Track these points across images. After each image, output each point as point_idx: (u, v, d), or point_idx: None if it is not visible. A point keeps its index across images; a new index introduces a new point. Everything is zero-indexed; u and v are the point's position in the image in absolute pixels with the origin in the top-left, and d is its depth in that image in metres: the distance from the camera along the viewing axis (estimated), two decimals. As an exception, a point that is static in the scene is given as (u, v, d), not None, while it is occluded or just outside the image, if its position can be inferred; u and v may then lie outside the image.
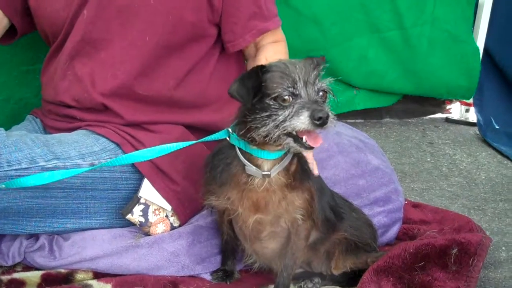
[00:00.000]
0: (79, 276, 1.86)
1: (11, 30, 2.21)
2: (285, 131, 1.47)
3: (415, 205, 2.49)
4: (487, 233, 2.22)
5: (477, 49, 3.95)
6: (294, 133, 1.48)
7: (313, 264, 1.92)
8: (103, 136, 1.97)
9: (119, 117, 2.02)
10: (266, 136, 1.50)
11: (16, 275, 1.83)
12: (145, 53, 2.00)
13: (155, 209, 1.96)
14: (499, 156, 3.51)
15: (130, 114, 2.02)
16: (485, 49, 4.06)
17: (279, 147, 1.56)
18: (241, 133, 1.57)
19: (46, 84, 2.17)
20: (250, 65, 2.20)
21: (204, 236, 1.96)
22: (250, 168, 1.61)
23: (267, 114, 1.48)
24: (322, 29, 3.65)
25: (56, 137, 1.91)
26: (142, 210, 1.94)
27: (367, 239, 1.90)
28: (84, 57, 2.02)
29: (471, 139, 3.89)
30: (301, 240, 1.74)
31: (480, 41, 4.02)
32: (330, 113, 1.43)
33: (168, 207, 1.96)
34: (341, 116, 3.81)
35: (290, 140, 1.50)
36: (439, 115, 4.45)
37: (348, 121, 3.93)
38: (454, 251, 1.82)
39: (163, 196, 1.95)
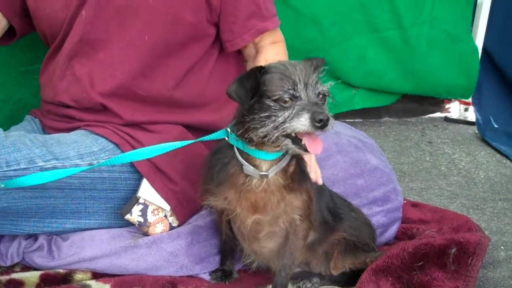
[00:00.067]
0: (78, 276, 1.86)
1: (10, 31, 2.21)
2: (284, 133, 1.47)
3: (414, 205, 2.49)
4: (486, 232, 2.22)
5: (476, 48, 3.95)
6: (293, 134, 1.48)
7: (312, 264, 1.92)
8: (102, 136, 1.97)
9: (118, 117, 2.02)
10: (265, 136, 1.50)
11: (14, 275, 1.83)
12: (144, 53, 2.00)
13: (154, 209, 1.96)
14: (498, 155, 3.51)
15: (129, 114, 2.02)
16: (484, 49, 4.06)
17: (278, 148, 1.56)
18: (239, 133, 1.57)
19: (45, 85, 2.17)
20: (250, 66, 2.20)
21: (203, 236, 1.96)
22: (248, 168, 1.61)
23: (266, 114, 1.48)
24: (321, 29, 3.66)
25: (55, 137, 1.91)
26: (141, 210, 1.94)
27: (366, 239, 1.91)
28: (83, 58, 2.02)
29: (470, 138, 3.89)
30: (299, 240, 1.74)
31: (479, 41, 4.02)
32: (330, 116, 1.44)
33: (167, 207, 1.97)
34: (340, 116, 3.83)
35: (288, 142, 1.50)
36: (438, 115, 4.45)
37: (347, 120, 3.93)
38: (453, 250, 1.83)
39: (162, 196, 1.95)
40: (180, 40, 2.03)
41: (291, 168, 1.66)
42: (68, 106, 2.06)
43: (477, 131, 3.98)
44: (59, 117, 2.12)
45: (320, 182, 1.83)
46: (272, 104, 1.47)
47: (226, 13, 2.06)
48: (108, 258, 1.88)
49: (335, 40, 3.71)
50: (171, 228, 2.00)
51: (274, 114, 1.47)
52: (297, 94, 1.47)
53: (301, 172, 1.69)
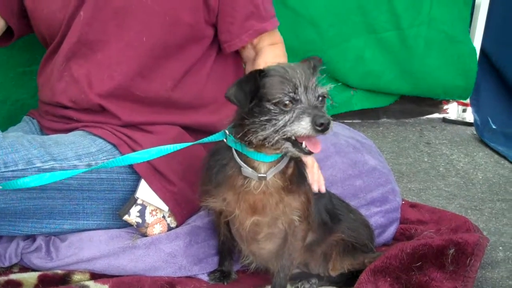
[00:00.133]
0: (76, 277, 1.85)
1: (8, 32, 2.20)
2: (285, 136, 1.47)
3: (412, 205, 2.49)
4: (484, 233, 2.22)
5: (474, 49, 3.96)
6: (293, 138, 1.48)
7: (310, 265, 1.92)
8: (100, 137, 1.96)
9: (116, 118, 2.01)
10: (265, 140, 1.49)
11: (13, 276, 1.83)
12: (142, 54, 2.00)
13: (152, 210, 1.96)
14: (496, 156, 3.52)
15: (127, 115, 2.02)
16: (482, 50, 4.08)
17: (277, 151, 1.56)
18: (238, 136, 1.56)
19: (43, 85, 2.16)
20: (249, 69, 2.19)
21: (201, 237, 1.96)
22: (246, 170, 1.60)
23: (266, 118, 1.47)
24: (320, 30, 3.67)
25: (52, 138, 1.90)
26: (139, 211, 1.94)
27: (364, 240, 1.90)
28: (81, 59, 2.02)
29: (468, 139, 3.90)
30: (298, 241, 1.74)
31: (477, 42, 4.03)
32: (330, 119, 1.43)
33: (165, 208, 1.96)
34: (338, 117, 3.84)
35: (288, 145, 1.50)
36: (436, 115, 4.46)
37: (345, 121, 3.93)
38: (451, 251, 1.83)
39: (160, 197, 1.95)
40: (178, 41, 2.02)
41: (290, 170, 1.66)
42: (66, 107, 2.05)
43: (475, 132, 3.99)
44: (57, 118, 2.11)
45: (323, 190, 1.83)
46: (272, 108, 1.47)
47: (224, 13, 2.06)
48: (107, 259, 1.87)
49: (333, 41, 3.72)
50: (169, 229, 2.00)
51: (274, 117, 1.47)
52: (298, 97, 1.46)
53: (300, 173, 1.69)
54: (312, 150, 1.48)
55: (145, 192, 1.93)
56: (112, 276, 1.86)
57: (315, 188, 1.80)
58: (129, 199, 1.94)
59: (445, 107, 4.48)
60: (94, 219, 1.96)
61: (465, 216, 2.37)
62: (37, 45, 2.29)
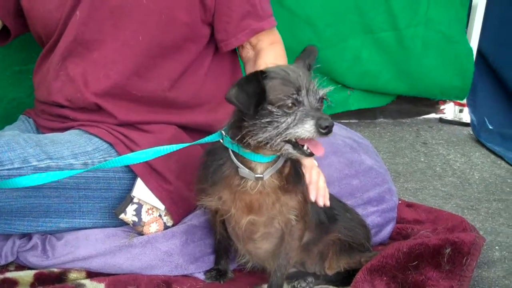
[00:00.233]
0: (72, 275, 1.85)
1: (4, 32, 2.20)
2: (287, 138, 1.47)
3: (409, 205, 2.50)
4: (481, 232, 2.23)
5: (471, 50, 3.97)
6: (293, 140, 1.48)
7: (306, 264, 1.92)
8: (96, 136, 1.96)
9: (112, 117, 2.01)
10: (266, 143, 1.48)
11: (8, 275, 1.83)
12: (138, 53, 1.99)
13: (148, 209, 1.95)
14: (492, 156, 3.52)
15: (123, 114, 2.01)
16: (479, 50, 4.08)
17: (276, 153, 1.55)
18: (236, 138, 1.55)
19: (39, 84, 2.16)
20: (249, 69, 2.18)
21: (197, 235, 1.95)
22: (243, 170, 1.60)
23: (268, 120, 1.46)
24: (317, 30, 3.67)
25: (49, 137, 1.90)
26: (136, 210, 1.93)
27: (360, 239, 1.91)
28: (77, 58, 2.01)
29: (465, 139, 3.90)
30: (294, 240, 1.74)
31: (474, 42, 4.04)
32: (333, 122, 1.43)
33: (162, 206, 1.96)
34: (335, 116, 3.84)
35: (289, 147, 1.50)
36: (433, 116, 4.47)
37: (342, 121, 3.93)
38: (448, 250, 1.83)
39: (156, 196, 1.95)
40: (174, 40, 2.02)
41: (286, 170, 1.66)
42: (62, 106, 2.05)
43: (471, 132, 3.99)
44: (53, 117, 2.11)
45: (327, 204, 1.78)
46: (275, 110, 1.46)
47: (220, 13, 2.06)
48: (103, 257, 1.87)
49: (330, 41, 3.72)
50: (166, 227, 2.00)
51: (277, 120, 1.46)
52: (300, 100, 1.46)
53: (296, 173, 1.69)
54: (314, 153, 1.48)
55: (141, 190, 1.93)
56: (108, 275, 1.85)
57: (320, 203, 1.75)
58: (126, 198, 1.93)
59: (441, 107, 4.49)
60: (90, 218, 1.95)
61: (461, 215, 2.37)
62: (33, 44, 2.29)
